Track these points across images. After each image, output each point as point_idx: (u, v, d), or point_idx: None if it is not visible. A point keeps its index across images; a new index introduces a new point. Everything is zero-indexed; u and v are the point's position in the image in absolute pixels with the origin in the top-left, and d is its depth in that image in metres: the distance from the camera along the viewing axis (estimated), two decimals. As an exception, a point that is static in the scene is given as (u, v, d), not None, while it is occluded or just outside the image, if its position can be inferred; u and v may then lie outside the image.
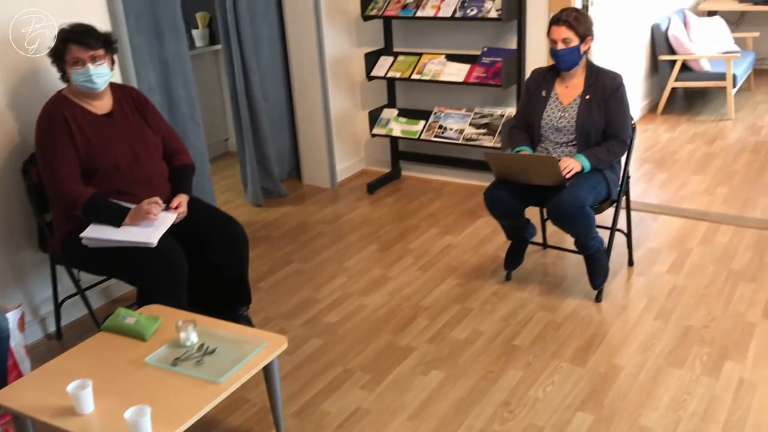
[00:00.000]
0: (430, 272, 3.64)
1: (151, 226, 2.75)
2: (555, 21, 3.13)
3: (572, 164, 3.07)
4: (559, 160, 3.07)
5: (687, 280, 3.40)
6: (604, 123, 3.16)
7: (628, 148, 3.22)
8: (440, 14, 4.14)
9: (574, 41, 3.10)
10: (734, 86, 5.77)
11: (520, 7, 4.09)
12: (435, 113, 4.47)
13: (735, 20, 7.09)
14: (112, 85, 2.95)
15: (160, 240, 2.69)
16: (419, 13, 4.22)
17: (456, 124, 4.35)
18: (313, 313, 3.33)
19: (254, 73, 4.43)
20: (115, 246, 2.71)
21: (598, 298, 3.27)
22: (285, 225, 4.32)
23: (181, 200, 2.91)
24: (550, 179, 3.06)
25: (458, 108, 4.43)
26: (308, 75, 4.62)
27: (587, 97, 3.16)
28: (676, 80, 5.92)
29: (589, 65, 3.21)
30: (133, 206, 2.78)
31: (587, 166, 3.10)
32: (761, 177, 4.57)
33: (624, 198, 3.38)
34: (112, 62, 2.87)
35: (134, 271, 2.72)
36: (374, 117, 4.64)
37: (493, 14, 3.98)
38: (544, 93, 3.27)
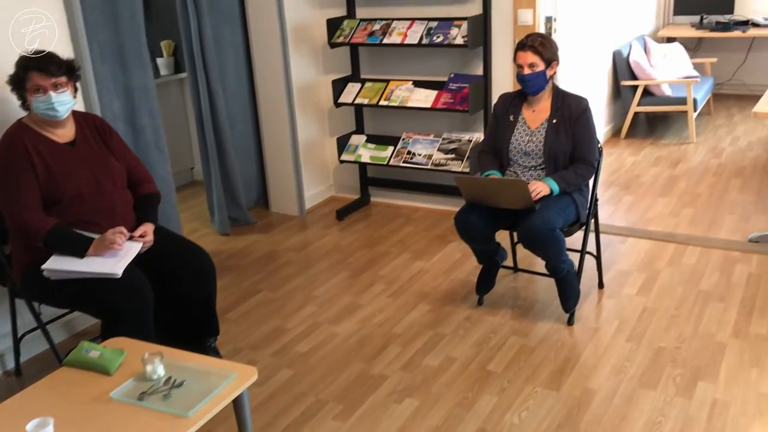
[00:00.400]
0: (402, 298, 3.60)
1: (115, 257, 2.68)
2: (521, 46, 3.16)
3: (540, 187, 3.09)
4: (528, 183, 3.08)
5: (657, 301, 3.41)
6: (572, 146, 3.18)
7: (596, 171, 3.25)
8: (407, 41, 4.16)
9: (540, 66, 3.13)
10: (695, 110, 5.89)
11: (486, 34, 4.13)
12: (403, 139, 4.48)
13: (693, 46, 7.27)
14: (75, 113, 2.88)
15: (125, 270, 2.62)
16: (386, 41, 4.23)
17: (424, 150, 4.36)
18: (283, 342, 3.27)
19: (220, 101, 4.39)
20: (79, 277, 2.63)
21: (570, 321, 3.26)
22: (253, 254, 4.26)
23: (147, 229, 2.84)
24: (519, 203, 3.06)
25: (426, 134, 4.44)
26: (275, 102, 4.60)
27: (554, 121, 3.19)
28: (638, 105, 6.03)
29: (555, 90, 3.24)
30: (97, 236, 2.71)
31: (556, 189, 3.11)
32: (724, 198, 4.65)
33: (593, 220, 3.39)
34: (75, 90, 2.81)
35: (99, 302, 2.63)
36: (342, 143, 4.62)
37: (459, 41, 4.02)
38: (511, 117, 3.28)
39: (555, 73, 3.22)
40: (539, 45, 3.13)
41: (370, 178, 4.88)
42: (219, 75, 4.41)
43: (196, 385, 2.16)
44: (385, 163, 4.44)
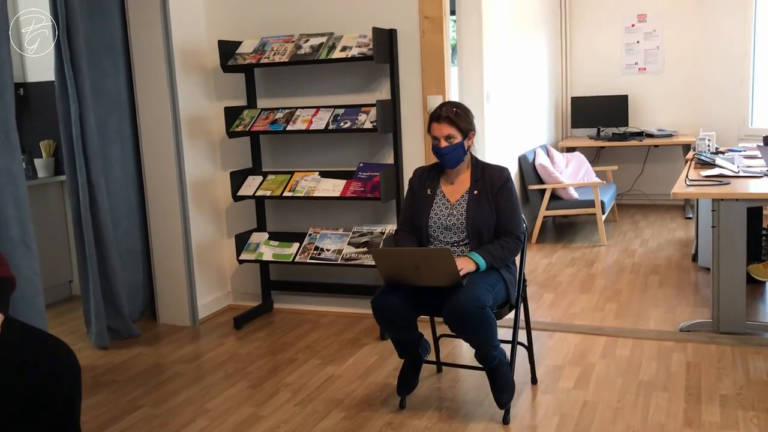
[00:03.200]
0: (311, 407, 3.08)
1: (-57, 351, 2.10)
2: (436, 118, 2.93)
3: (466, 265, 2.75)
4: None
5: (597, 394, 3.06)
6: (495, 219, 2.90)
7: (523, 245, 2.96)
8: (313, 127, 3.89)
9: (458, 138, 2.90)
10: (603, 212, 5.85)
11: (395, 120, 3.93)
12: (310, 234, 4.09)
13: (593, 158, 7.43)
14: None
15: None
16: (290, 127, 3.94)
17: (333, 245, 3.98)
18: (166, 462, 2.66)
19: (102, 195, 3.91)
20: None
21: (505, 420, 2.83)
22: (134, 367, 3.64)
23: (-9, 319, 2.29)
24: (445, 277, 2.69)
25: (335, 228, 4.08)
26: (166, 198, 4.15)
27: (475, 192, 2.92)
28: (547, 209, 5.94)
29: (474, 160, 3.00)
30: None
31: (483, 264, 2.79)
32: (646, 293, 4.46)
33: (522, 304, 3.07)
34: None
35: None
36: (242, 242, 4.19)
37: (368, 125, 3.78)
38: (429, 191, 3.00)
39: (473, 143, 2.99)
40: (455, 116, 2.91)
41: (273, 281, 4.42)
42: (102, 167, 3.96)
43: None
44: (290, 260, 4.02)
